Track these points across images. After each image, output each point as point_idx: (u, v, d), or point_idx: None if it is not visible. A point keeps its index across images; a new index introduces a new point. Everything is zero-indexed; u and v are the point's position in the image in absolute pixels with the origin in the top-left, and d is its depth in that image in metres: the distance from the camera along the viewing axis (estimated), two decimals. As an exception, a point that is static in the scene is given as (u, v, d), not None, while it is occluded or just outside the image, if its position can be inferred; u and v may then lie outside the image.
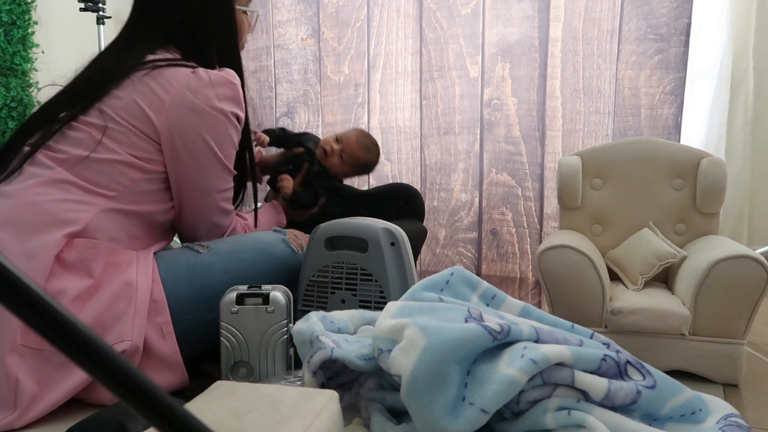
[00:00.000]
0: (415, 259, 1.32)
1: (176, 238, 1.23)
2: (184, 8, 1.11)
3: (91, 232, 0.97)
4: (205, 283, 1.04)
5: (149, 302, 0.95)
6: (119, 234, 1.01)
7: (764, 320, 1.51)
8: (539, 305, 1.74)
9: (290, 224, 1.44)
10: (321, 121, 2.04)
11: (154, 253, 1.05)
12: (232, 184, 1.17)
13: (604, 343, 0.79)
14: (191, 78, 1.04)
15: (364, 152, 1.51)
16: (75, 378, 0.88)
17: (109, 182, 1.00)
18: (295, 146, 1.49)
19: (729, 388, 1.08)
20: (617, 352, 0.76)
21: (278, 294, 0.98)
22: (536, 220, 1.76)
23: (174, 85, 1.03)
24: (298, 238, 1.23)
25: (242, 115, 1.13)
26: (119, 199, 1.01)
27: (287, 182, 1.44)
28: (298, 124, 2.08)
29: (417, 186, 1.90)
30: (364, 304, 1.08)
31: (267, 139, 1.46)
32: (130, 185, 1.02)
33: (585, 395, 0.70)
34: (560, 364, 0.70)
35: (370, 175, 1.98)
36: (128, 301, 0.93)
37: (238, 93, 1.11)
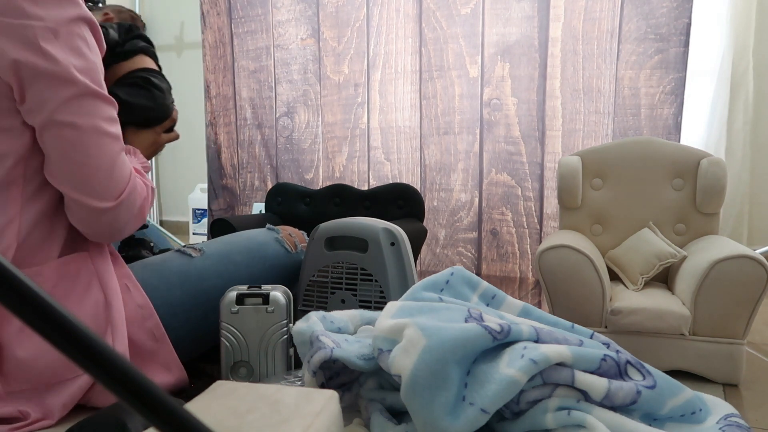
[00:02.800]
0: (415, 259, 1.32)
1: (177, 239, 1.21)
2: None
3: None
4: (199, 289, 1.04)
5: (135, 308, 0.93)
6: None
7: (764, 320, 1.51)
8: (539, 305, 1.74)
9: (285, 221, 1.43)
10: (321, 121, 2.04)
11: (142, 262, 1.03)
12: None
13: (604, 343, 0.80)
14: None
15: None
16: (68, 394, 0.86)
17: None
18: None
19: (729, 388, 1.08)
20: (617, 352, 0.76)
21: (278, 294, 0.98)
22: (536, 220, 1.76)
23: None
24: (292, 237, 1.22)
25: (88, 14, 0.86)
26: None
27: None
28: (297, 124, 2.08)
29: (417, 186, 1.90)
30: (364, 304, 1.08)
31: None
32: None
33: (585, 395, 0.70)
34: (560, 364, 0.70)
35: (370, 175, 1.98)
36: (105, 320, 0.88)
37: None
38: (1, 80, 0.80)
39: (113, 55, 1.15)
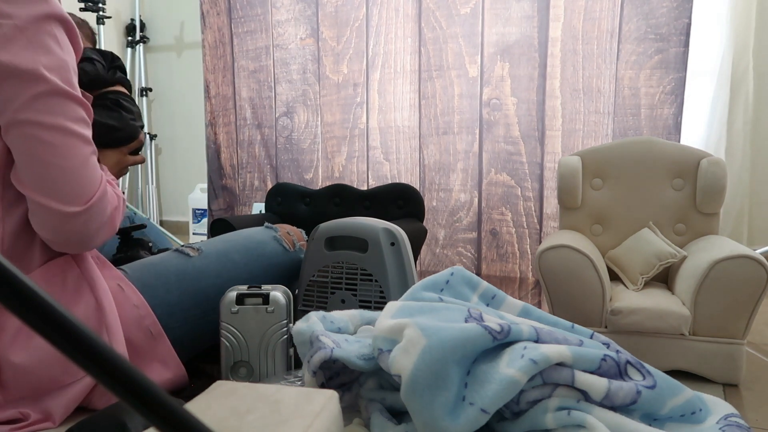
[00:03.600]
0: (415, 259, 1.32)
1: (177, 239, 1.22)
2: None
3: None
4: (197, 289, 1.03)
5: (131, 308, 0.93)
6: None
7: (764, 320, 1.51)
8: (539, 305, 1.74)
9: (283, 220, 1.43)
10: (320, 121, 2.03)
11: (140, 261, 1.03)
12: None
13: (604, 343, 0.79)
14: None
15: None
16: (69, 397, 0.86)
17: None
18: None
19: (729, 388, 1.08)
20: (617, 352, 0.76)
21: (278, 294, 0.98)
22: (536, 220, 1.76)
23: None
24: (290, 235, 1.23)
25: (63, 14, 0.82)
26: None
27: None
28: (297, 124, 2.08)
29: (416, 186, 1.90)
30: (364, 304, 1.08)
31: None
32: None
33: (585, 395, 0.70)
34: (560, 364, 0.70)
35: (369, 175, 1.98)
36: (98, 323, 0.87)
37: None
38: None
39: (95, 84, 1.18)
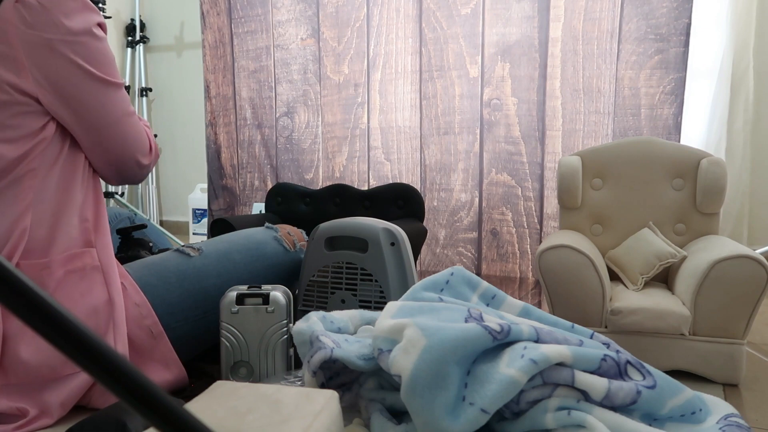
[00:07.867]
0: (415, 259, 1.32)
1: (177, 239, 1.22)
2: None
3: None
4: (197, 289, 1.04)
5: (132, 307, 0.93)
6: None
7: (764, 320, 1.51)
8: (539, 305, 1.74)
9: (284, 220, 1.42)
10: (321, 121, 2.03)
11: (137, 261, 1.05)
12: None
13: (604, 343, 0.79)
14: (20, 10, 0.82)
15: None
16: (67, 390, 0.87)
17: None
18: None
19: (729, 388, 1.08)
20: (617, 352, 0.76)
21: (278, 294, 0.98)
22: (536, 220, 1.76)
23: (8, 29, 0.82)
24: (290, 235, 1.23)
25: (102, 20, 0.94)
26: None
27: None
28: (297, 124, 2.08)
29: (417, 186, 1.90)
30: (364, 304, 1.08)
31: None
32: None
33: (585, 395, 0.70)
34: (560, 364, 0.70)
35: (370, 175, 1.98)
36: (107, 318, 0.89)
37: None
38: (34, 88, 0.85)
39: None
